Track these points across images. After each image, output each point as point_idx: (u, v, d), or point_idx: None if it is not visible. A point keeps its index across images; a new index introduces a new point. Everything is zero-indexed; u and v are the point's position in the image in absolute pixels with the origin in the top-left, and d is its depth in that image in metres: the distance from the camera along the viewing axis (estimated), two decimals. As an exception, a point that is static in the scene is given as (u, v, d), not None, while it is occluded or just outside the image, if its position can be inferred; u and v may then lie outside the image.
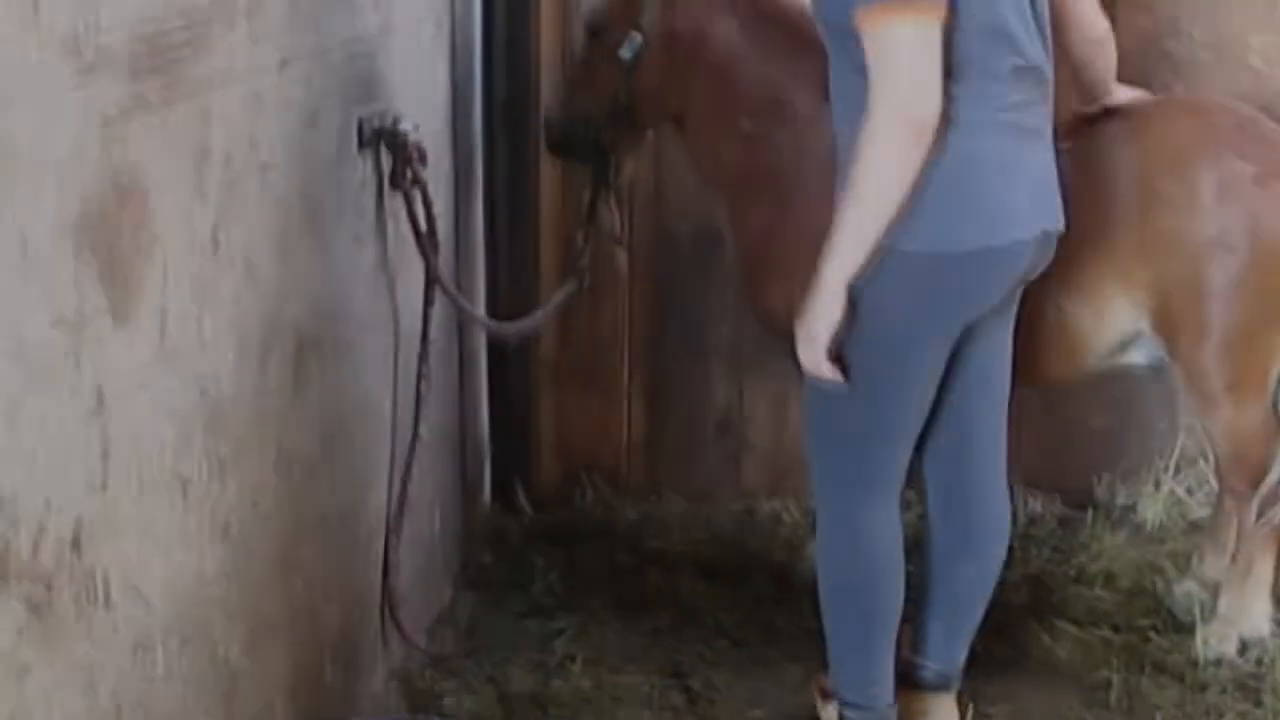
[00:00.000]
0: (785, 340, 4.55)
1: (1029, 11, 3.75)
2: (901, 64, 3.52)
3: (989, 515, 4.11)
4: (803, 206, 4.47)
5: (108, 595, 2.74)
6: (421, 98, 4.55)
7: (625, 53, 4.64)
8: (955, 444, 4.02)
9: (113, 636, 2.77)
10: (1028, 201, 3.77)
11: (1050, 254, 3.90)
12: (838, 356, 3.71)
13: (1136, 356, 4.64)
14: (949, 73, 3.57)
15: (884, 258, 3.62)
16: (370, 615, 4.22)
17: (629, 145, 4.91)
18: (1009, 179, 3.73)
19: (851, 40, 3.59)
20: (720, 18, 4.64)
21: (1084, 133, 4.46)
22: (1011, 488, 5.43)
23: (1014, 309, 4.01)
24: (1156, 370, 4.69)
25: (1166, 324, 4.49)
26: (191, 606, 3.08)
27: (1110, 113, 4.61)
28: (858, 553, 3.97)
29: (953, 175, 3.61)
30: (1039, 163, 3.81)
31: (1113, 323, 4.54)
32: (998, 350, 4.02)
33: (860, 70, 3.60)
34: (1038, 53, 3.77)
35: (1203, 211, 4.43)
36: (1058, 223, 3.86)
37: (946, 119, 3.58)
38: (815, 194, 4.37)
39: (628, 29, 4.65)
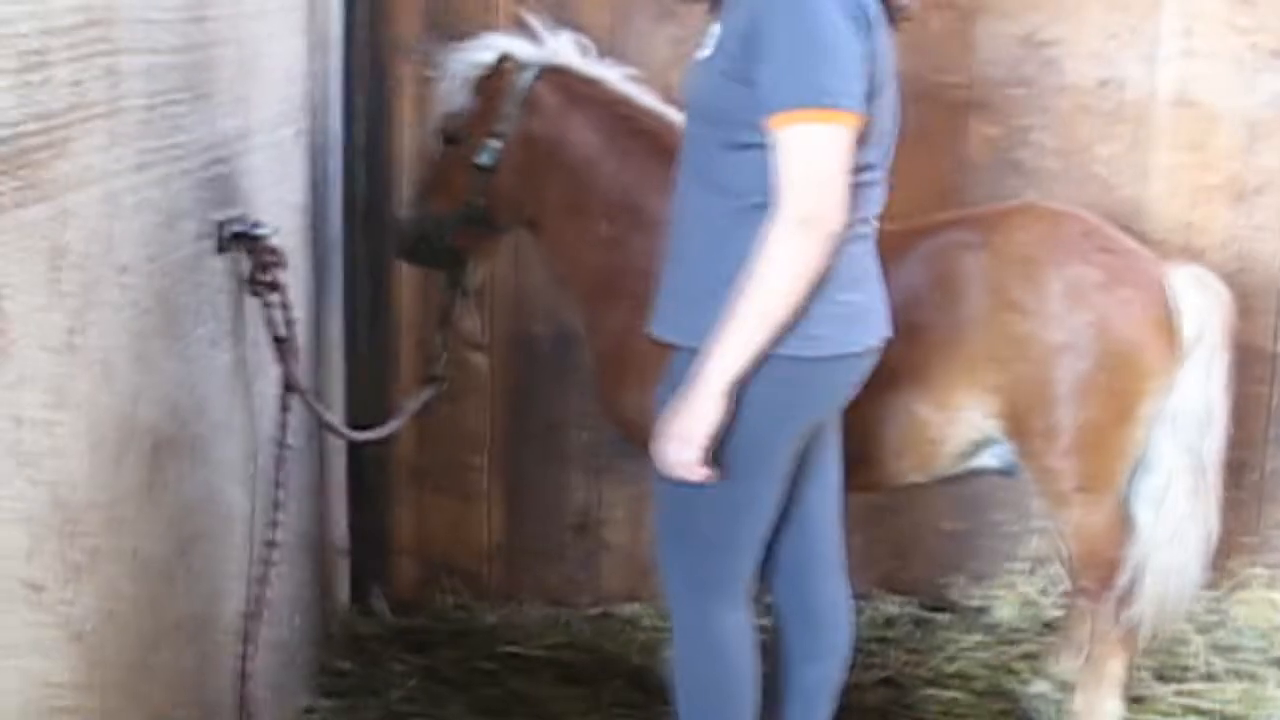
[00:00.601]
0: (639, 444, 4.58)
1: (893, 125, 3.81)
2: (820, 170, 3.52)
3: (831, 612, 4.13)
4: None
5: (-43, 702, 2.70)
6: (280, 200, 4.55)
7: (484, 158, 4.68)
8: (796, 544, 4.04)
9: (-38, 744, 2.73)
10: (877, 309, 3.84)
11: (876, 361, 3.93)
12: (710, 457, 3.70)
13: (988, 459, 4.70)
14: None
15: (762, 362, 3.63)
16: (226, 722, 4.17)
17: (483, 249, 4.94)
18: (870, 286, 3.80)
19: (740, 143, 3.61)
20: (577, 123, 4.70)
21: (932, 239, 4.54)
22: (866, 590, 5.54)
23: (842, 413, 4.04)
24: (1008, 473, 4.76)
25: (1017, 427, 4.57)
26: (42, 715, 3.03)
27: (958, 220, 4.70)
28: (714, 657, 3.96)
29: (822, 281, 3.62)
30: (878, 272, 3.86)
31: (964, 427, 4.60)
32: (832, 451, 4.06)
33: (740, 173, 3.62)
34: (887, 162, 3.84)
35: (1052, 317, 4.51)
36: (889, 329, 3.91)
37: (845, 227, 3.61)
38: None
39: (485, 135, 4.69)
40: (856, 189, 3.64)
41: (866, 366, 3.83)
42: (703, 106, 3.76)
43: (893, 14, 3.73)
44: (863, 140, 3.61)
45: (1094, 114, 5.51)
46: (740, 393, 3.64)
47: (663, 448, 3.71)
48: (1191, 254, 5.34)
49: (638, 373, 4.55)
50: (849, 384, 3.84)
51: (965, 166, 5.51)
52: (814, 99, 3.50)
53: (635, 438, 4.71)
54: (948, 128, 5.46)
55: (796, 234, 3.52)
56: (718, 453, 3.69)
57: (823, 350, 3.68)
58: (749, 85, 3.57)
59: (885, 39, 3.67)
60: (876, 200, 3.78)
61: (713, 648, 3.94)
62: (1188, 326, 4.53)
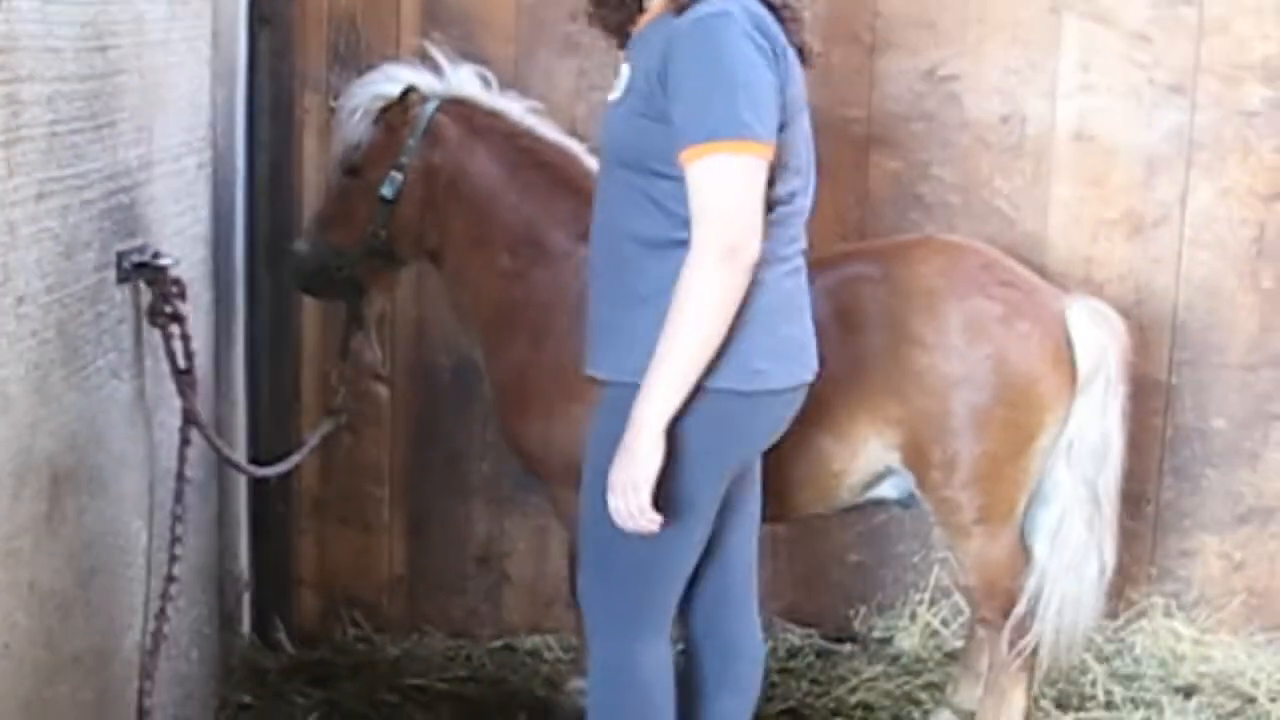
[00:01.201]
0: (541, 475, 4.58)
1: (810, 158, 3.83)
2: (736, 201, 3.53)
3: (746, 643, 4.13)
4: (557, 344, 4.53)
5: None
6: (183, 231, 4.53)
7: (386, 190, 4.67)
8: (715, 576, 4.03)
9: None
10: (810, 344, 3.85)
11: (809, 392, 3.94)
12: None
13: (888, 490, 4.74)
14: (764, 212, 3.61)
15: (690, 396, 3.61)
16: (125, 756, 4.13)
17: (382, 282, 4.94)
18: (799, 320, 3.81)
19: (654, 180, 3.62)
20: (479, 155, 4.71)
21: (833, 272, 4.56)
22: (770, 621, 5.55)
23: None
24: (906, 505, 4.79)
25: (917, 459, 4.60)
26: (-62, 749, 3.00)
27: (859, 252, 4.73)
28: (632, 691, 3.92)
29: (758, 314, 3.63)
30: (808, 308, 3.87)
31: (864, 458, 4.63)
32: (752, 488, 4.06)
33: (658, 210, 3.63)
34: (810, 196, 3.85)
35: (950, 350, 4.55)
36: (815, 367, 3.91)
37: (761, 258, 3.59)
38: (569, 331, 4.44)
39: (387, 168, 4.69)
40: (785, 220, 3.69)
41: (799, 401, 3.84)
42: (617, 149, 3.76)
43: (803, 54, 3.76)
44: (783, 170, 3.64)
45: (995, 149, 5.56)
46: (679, 427, 3.62)
47: (612, 499, 3.64)
48: (1091, 287, 5.40)
49: (538, 404, 4.57)
50: (784, 418, 3.84)
51: (867, 200, 5.55)
52: (725, 131, 3.51)
53: (536, 469, 4.72)
54: (849, 162, 5.49)
55: (714, 266, 3.52)
56: (655, 486, 3.64)
57: (764, 384, 3.69)
58: (665, 123, 3.58)
59: (796, 69, 3.69)
60: (800, 234, 3.80)
61: (632, 681, 3.90)
62: (1084, 360, 4.58)
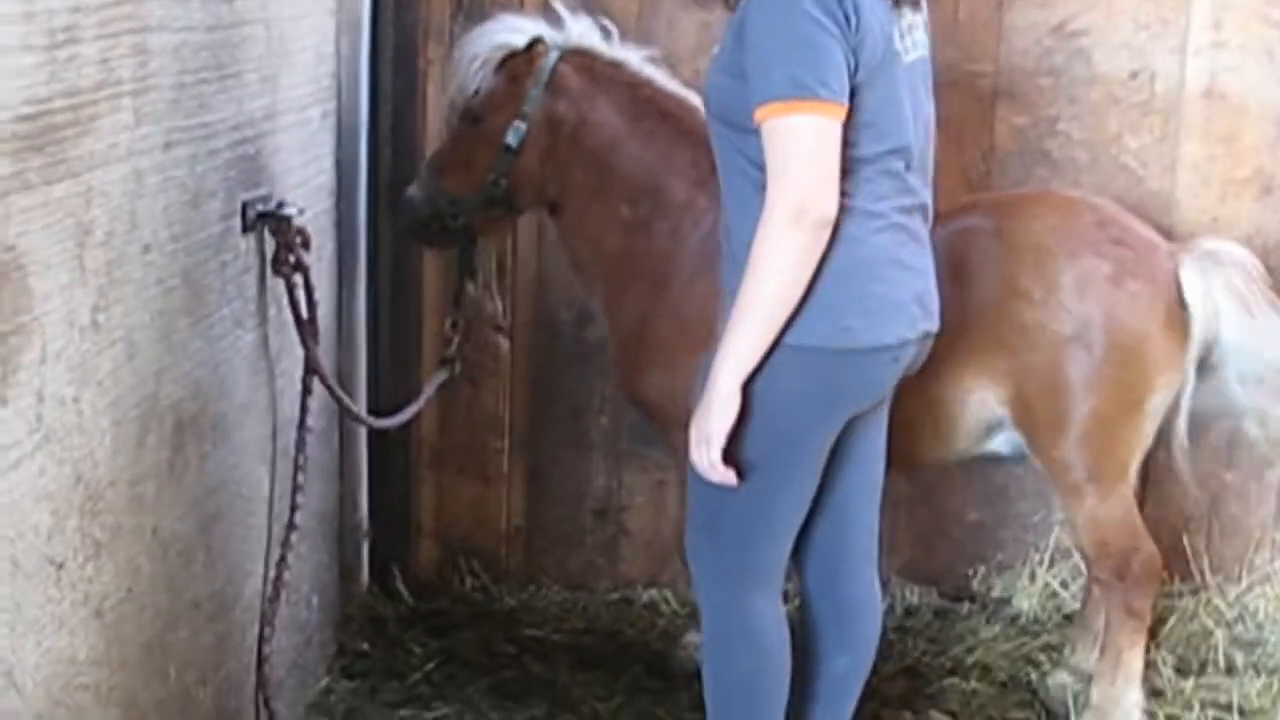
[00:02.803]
0: (661, 426, 4.56)
1: (924, 109, 3.80)
2: (801, 161, 3.51)
3: (863, 603, 4.12)
4: (678, 293, 4.53)
5: (-22, 678, 2.71)
6: (306, 181, 4.55)
7: (511, 139, 4.68)
8: (832, 534, 4.02)
9: (-18, 720, 2.74)
10: (914, 301, 3.79)
11: (927, 352, 3.91)
12: (729, 455, 3.68)
13: (1000, 445, 4.70)
14: (845, 170, 3.58)
15: (777, 352, 3.62)
16: (244, 702, 4.17)
17: (495, 231, 4.97)
18: (898, 277, 3.75)
19: (746, 137, 3.61)
20: (600, 105, 4.70)
21: (949, 224, 4.52)
22: (888, 580, 5.53)
23: (889, 403, 4.02)
24: (1020, 459, 4.75)
25: (1025, 415, 4.56)
26: (63, 691, 3.04)
27: (975, 205, 4.68)
28: (746, 647, 3.92)
29: (847, 271, 3.62)
30: (923, 265, 3.83)
31: (975, 410, 4.60)
32: (874, 443, 4.04)
33: (751, 165, 3.62)
34: (925, 151, 3.82)
35: (1060, 307, 4.50)
36: (936, 323, 3.89)
37: (842, 216, 3.58)
38: (690, 281, 4.44)
39: (510, 116, 4.69)
40: (876, 177, 3.65)
41: (904, 359, 3.80)
42: (712, 103, 3.77)
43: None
44: (865, 128, 3.61)
45: (1123, 105, 5.48)
46: (769, 385, 3.63)
47: (693, 451, 3.69)
48: (1220, 247, 5.32)
49: (658, 354, 4.56)
50: (885, 377, 3.82)
51: (993, 156, 5.49)
52: (788, 92, 3.50)
53: (656, 418, 4.71)
54: (976, 117, 5.43)
55: (786, 226, 3.51)
56: (744, 447, 3.68)
57: (853, 342, 3.66)
58: (743, 79, 3.58)
59: (882, 22, 3.63)
60: (907, 189, 3.75)
61: (743, 637, 3.91)
62: (1199, 315, 4.51)
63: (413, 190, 4.94)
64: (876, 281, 3.69)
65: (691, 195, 4.59)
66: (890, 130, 3.67)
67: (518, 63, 4.72)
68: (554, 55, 4.71)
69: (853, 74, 3.56)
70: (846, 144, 3.58)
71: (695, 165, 4.51)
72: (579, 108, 4.72)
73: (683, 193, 4.64)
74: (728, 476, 3.67)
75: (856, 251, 3.63)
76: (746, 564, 3.87)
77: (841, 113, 3.54)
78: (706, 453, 3.65)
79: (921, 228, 3.83)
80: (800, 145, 3.51)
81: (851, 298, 3.64)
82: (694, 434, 3.68)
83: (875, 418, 3.99)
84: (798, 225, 3.51)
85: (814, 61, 3.50)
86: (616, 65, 4.77)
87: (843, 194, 3.58)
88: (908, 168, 3.74)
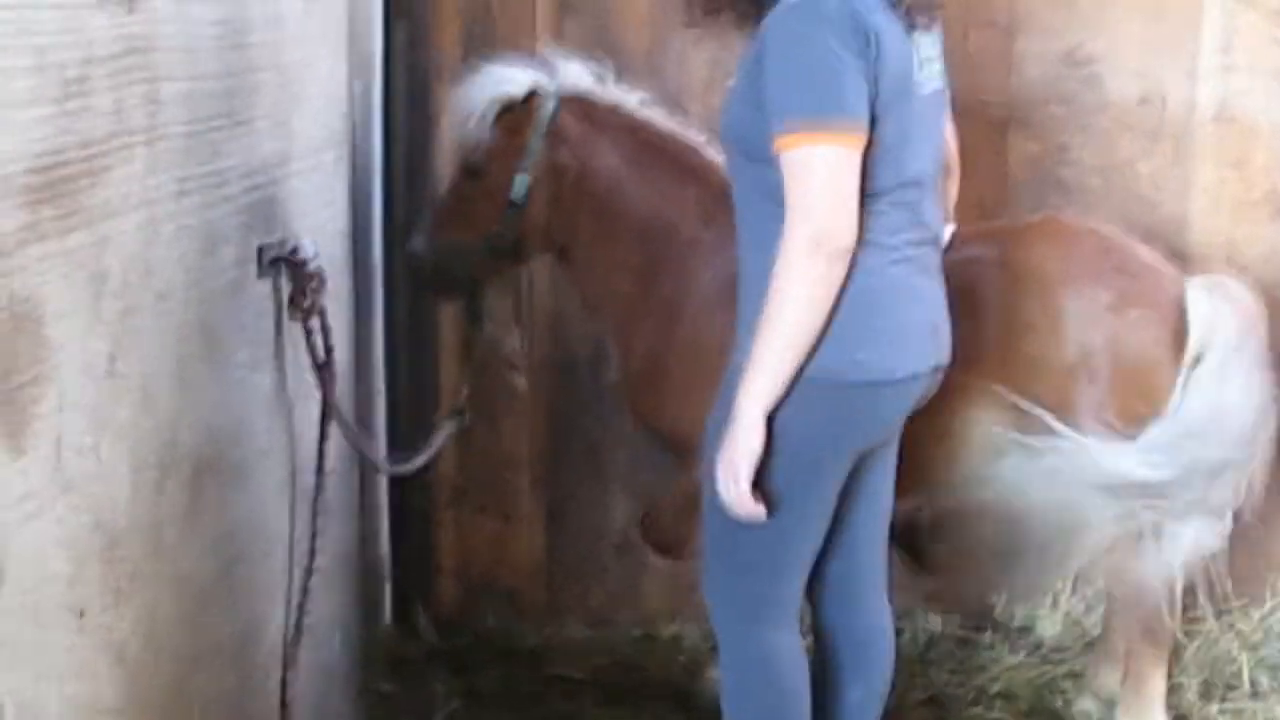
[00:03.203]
0: (681, 453, 4.57)
1: (936, 141, 3.81)
2: (821, 189, 3.50)
3: (875, 633, 4.10)
4: (690, 329, 4.55)
5: (1, 726, 2.72)
6: (321, 225, 4.57)
7: (515, 193, 4.69)
8: (842, 567, 4.02)
9: (5, 769, 2.75)
10: (927, 334, 3.80)
11: (936, 386, 3.90)
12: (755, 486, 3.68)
13: (1008, 473, 4.68)
14: (860, 202, 3.57)
15: (797, 386, 3.61)
16: (269, 744, 4.19)
17: (500, 279, 4.99)
18: (911, 310, 3.75)
19: (763, 165, 3.60)
20: (602, 151, 4.72)
21: (953, 253, 4.52)
22: (910, 608, 5.52)
23: (898, 437, 4.01)
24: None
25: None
26: (86, 737, 3.05)
27: (979, 235, 4.67)
28: (764, 682, 3.92)
29: (860, 304, 3.61)
30: (934, 297, 3.84)
31: (981, 439, 4.59)
32: (884, 475, 4.03)
33: (769, 196, 3.61)
34: (936, 183, 3.83)
35: (1063, 338, 4.50)
36: (947, 357, 3.88)
37: (856, 247, 3.57)
38: (701, 316, 4.45)
39: (511, 170, 4.70)
40: (891, 209, 3.65)
41: (915, 393, 3.80)
42: (729, 134, 3.77)
43: (913, 20, 3.69)
44: (883, 159, 3.60)
45: (1135, 131, 5.49)
46: (784, 417, 3.62)
47: (720, 489, 3.68)
48: (1234, 269, 5.28)
49: (672, 389, 4.57)
50: (896, 410, 3.82)
51: (1006, 184, 5.49)
52: (806, 120, 3.50)
53: (677, 448, 4.72)
54: (988, 146, 5.44)
55: (805, 256, 3.51)
56: (767, 477, 3.67)
57: (865, 375, 3.66)
58: (760, 109, 3.58)
59: (900, 53, 3.63)
60: (920, 222, 3.75)
61: (761, 673, 3.91)
62: (1195, 336, 4.50)
63: (415, 243, 4.96)
64: (889, 314, 3.68)
65: (698, 233, 4.60)
66: (906, 162, 3.67)
67: (516, 115, 4.72)
68: (551, 104, 4.72)
69: (872, 104, 3.56)
70: (863, 175, 3.57)
71: (700, 203, 4.54)
72: (580, 155, 4.74)
73: (689, 231, 4.65)
74: (757, 510, 3.66)
75: (869, 283, 3.62)
76: (762, 599, 3.87)
77: (861, 143, 3.54)
78: (734, 486, 3.64)
79: (933, 260, 3.84)
80: (819, 175, 3.51)
81: (863, 330, 3.63)
82: (720, 469, 3.67)
83: (885, 451, 3.99)
84: (816, 255, 3.51)
85: (834, 91, 3.51)
86: (614, 109, 4.78)
87: (861, 224, 3.57)
88: (921, 200, 3.74)
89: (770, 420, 3.63)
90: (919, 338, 3.77)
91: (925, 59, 3.74)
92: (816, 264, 3.52)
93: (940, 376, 3.88)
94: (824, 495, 3.82)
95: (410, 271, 5.03)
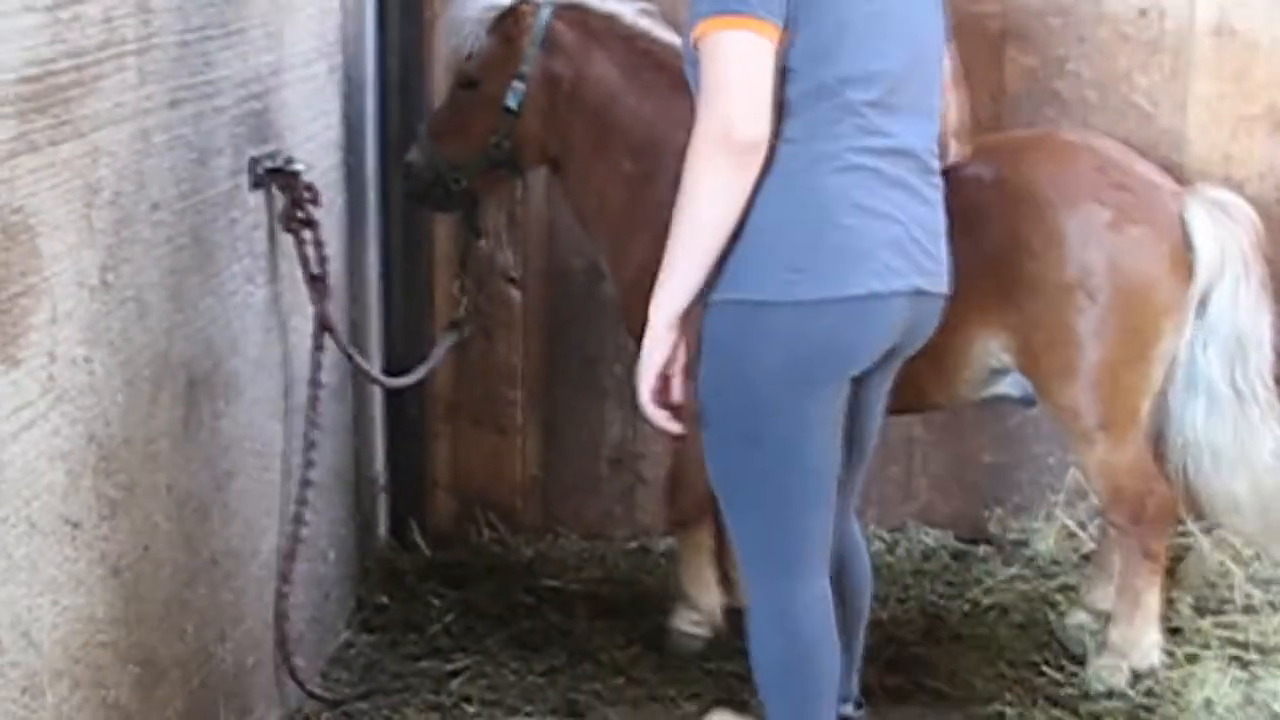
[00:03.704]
0: None
1: (908, 40, 3.58)
2: (728, 78, 3.36)
3: (850, 550, 3.99)
4: None
5: (-5, 639, 2.72)
6: (314, 137, 4.55)
7: (511, 101, 4.68)
8: None
9: (2, 680, 2.75)
10: (891, 251, 3.52)
11: (933, 321, 3.75)
12: (675, 405, 3.60)
13: (1009, 388, 4.69)
14: (791, 105, 3.44)
15: (733, 311, 3.51)
16: (265, 657, 4.19)
17: (498, 191, 4.97)
18: (861, 225, 3.49)
19: (694, 65, 3.48)
20: (597, 61, 4.70)
21: (954, 170, 4.49)
22: (904, 522, 5.54)
23: (889, 378, 3.86)
24: (1030, 403, 4.74)
25: (1032, 365, 4.56)
26: (82, 650, 3.06)
27: (975, 152, 4.60)
28: (781, 634, 3.74)
29: (796, 219, 3.46)
30: (909, 214, 3.55)
31: (978, 357, 4.58)
32: (870, 417, 3.88)
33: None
34: (912, 88, 3.59)
35: (1062, 257, 4.48)
36: (939, 284, 3.67)
37: (787, 154, 3.44)
38: None
39: (507, 77, 4.69)
40: (830, 114, 3.46)
41: (892, 315, 3.57)
42: (683, 41, 3.61)
43: None
44: (812, 56, 3.43)
45: (1133, 43, 5.46)
46: (740, 347, 3.51)
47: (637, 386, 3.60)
48: (1231, 184, 5.27)
49: None
50: (861, 334, 3.56)
51: (1003, 97, 5.46)
52: (718, 8, 3.36)
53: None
54: (985, 58, 5.40)
55: (711, 146, 3.38)
56: (739, 416, 3.56)
57: (809, 293, 3.46)
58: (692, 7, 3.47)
59: None
60: (876, 129, 3.50)
61: (779, 625, 3.73)
62: (1204, 259, 4.49)
63: (413, 155, 4.95)
64: (832, 228, 3.47)
65: None
66: (842, 60, 3.47)
67: (509, 23, 4.70)
68: (546, 12, 4.70)
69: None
70: (791, 74, 3.43)
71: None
72: (576, 64, 4.72)
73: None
74: (666, 422, 3.60)
75: (808, 197, 3.46)
76: (777, 546, 3.69)
77: (774, 33, 3.37)
78: (640, 391, 3.57)
79: (903, 172, 3.56)
80: (727, 62, 3.37)
81: (804, 247, 3.46)
82: (638, 366, 3.58)
83: (874, 392, 3.82)
84: (724, 147, 3.36)
85: None
86: (610, 18, 4.75)
87: (790, 134, 3.45)
88: (871, 105, 3.49)
89: (725, 354, 3.53)
90: (874, 254, 3.50)
91: None
92: (724, 157, 3.37)
93: (933, 308, 3.70)
94: (811, 433, 3.60)
95: (407, 184, 5.00)
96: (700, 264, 3.45)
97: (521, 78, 4.70)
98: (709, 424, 3.61)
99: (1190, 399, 4.63)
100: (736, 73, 3.37)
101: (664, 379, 3.59)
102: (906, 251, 3.54)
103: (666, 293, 3.49)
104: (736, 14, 3.36)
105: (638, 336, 4.74)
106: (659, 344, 3.53)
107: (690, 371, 3.62)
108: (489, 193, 4.99)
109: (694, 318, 3.58)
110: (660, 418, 3.60)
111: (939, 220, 3.68)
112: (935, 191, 3.67)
